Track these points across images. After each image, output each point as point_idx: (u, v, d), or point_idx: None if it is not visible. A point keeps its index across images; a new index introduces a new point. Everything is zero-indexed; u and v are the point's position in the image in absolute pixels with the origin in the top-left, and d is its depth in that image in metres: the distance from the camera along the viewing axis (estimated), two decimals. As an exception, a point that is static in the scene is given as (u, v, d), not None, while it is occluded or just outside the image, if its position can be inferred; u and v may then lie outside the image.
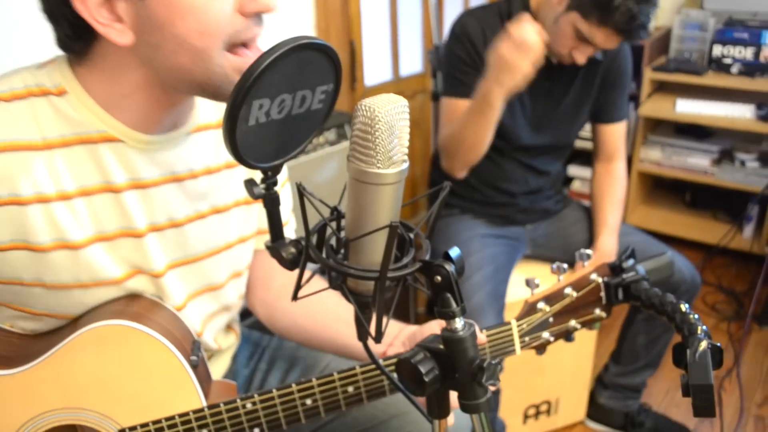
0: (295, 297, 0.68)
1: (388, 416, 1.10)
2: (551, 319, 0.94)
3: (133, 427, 0.87)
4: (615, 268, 0.95)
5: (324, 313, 1.05)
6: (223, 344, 1.07)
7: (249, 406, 0.88)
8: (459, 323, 0.65)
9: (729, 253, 2.90)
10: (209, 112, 0.94)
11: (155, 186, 0.88)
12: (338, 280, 0.66)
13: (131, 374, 0.86)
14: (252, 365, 1.19)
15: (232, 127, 0.59)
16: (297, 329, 1.09)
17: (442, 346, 0.67)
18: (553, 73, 1.65)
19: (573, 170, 3.10)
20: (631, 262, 0.95)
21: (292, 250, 0.71)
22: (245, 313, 1.60)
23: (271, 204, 0.71)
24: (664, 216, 3.09)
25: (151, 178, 0.87)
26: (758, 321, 2.55)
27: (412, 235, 0.65)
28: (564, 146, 1.83)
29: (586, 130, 1.88)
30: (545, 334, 0.94)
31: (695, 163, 2.88)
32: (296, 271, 0.68)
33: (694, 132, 2.96)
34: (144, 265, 0.90)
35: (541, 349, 0.97)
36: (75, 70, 0.81)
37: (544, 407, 1.97)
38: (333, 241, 0.66)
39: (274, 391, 0.88)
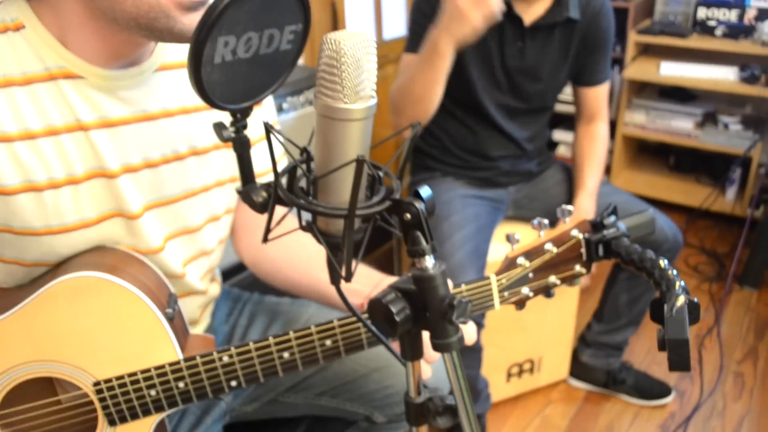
0: (265, 239, 0.68)
1: (369, 370, 1.11)
2: (531, 275, 0.94)
3: (108, 380, 0.86)
4: (596, 225, 0.95)
5: (307, 260, 1.05)
6: (210, 289, 1.07)
7: (226, 359, 0.88)
8: (429, 261, 0.65)
9: (711, 216, 2.92)
10: (176, 50, 0.92)
11: (125, 124, 0.86)
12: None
13: (105, 327, 0.86)
14: (232, 321, 1.19)
15: (196, 64, 0.58)
16: (281, 276, 1.09)
17: (413, 286, 0.67)
18: (525, 33, 1.63)
19: (558, 135, 3.10)
20: (612, 218, 0.95)
21: (264, 193, 0.71)
22: (225, 274, 1.61)
23: (241, 147, 0.70)
24: (648, 180, 3.11)
25: (119, 116, 0.85)
26: (739, 281, 2.58)
27: (381, 174, 0.65)
28: (541, 109, 1.80)
29: (568, 92, 1.87)
30: (525, 290, 0.95)
31: (679, 126, 2.89)
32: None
33: (678, 95, 2.96)
34: (119, 207, 0.89)
35: (520, 304, 0.97)
36: (31, 3, 0.80)
37: (527, 366, 1.99)
38: (304, 183, 0.66)
39: (251, 344, 0.88)
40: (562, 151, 3.12)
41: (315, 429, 1.24)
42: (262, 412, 1.16)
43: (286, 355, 0.89)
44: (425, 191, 0.66)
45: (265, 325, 1.17)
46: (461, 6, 1.34)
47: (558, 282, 0.96)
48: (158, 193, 0.92)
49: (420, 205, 0.64)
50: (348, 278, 0.64)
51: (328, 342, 0.89)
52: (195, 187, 0.96)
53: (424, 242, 0.64)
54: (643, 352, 2.24)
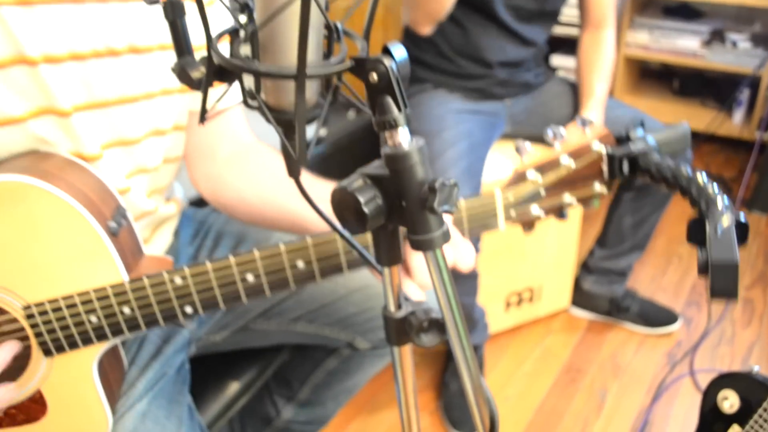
0: (202, 119, 0.55)
1: (348, 291, 1.00)
2: (543, 192, 0.81)
3: (41, 303, 0.74)
4: (621, 139, 0.83)
5: (274, 186, 0.92)
6: (161, 209, 0.95)
7: (178, 281, 0.76)
8: (403, 135, 0.52)
9: (718, 140, 2.80)
10: None
11: (42, 4, 0.72)
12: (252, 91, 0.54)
13: (35, 241, 0.73)
14: (197, 242, 1.06)
15: None
16: (244, 205, 0.95)
17: (385, 170, 0.54)
18: None
19: (557, 60, 2.93)
20: (640, 132, 0.82)
21: (203, 68, 0.58)
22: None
23: (173, 12, 0.57)
24: (651, 105, 2.95)
25: None
26: (747, 206, 2.48)
27: (340, 25, 0.52)
28: (551, 14, 1.66)
29: (568, 15, 1.72)
30: (535, 209, 0.82)
31: (684, 45, 2.73)
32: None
33: (683, 12, 2.80)
34: (49, 103, 0.75)
35: (528, 225, 0.84)
36: None
37: (526, 294, 1.89)
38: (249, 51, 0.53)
39: (207, 264, 0.76)
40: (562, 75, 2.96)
41: (294, 359, 1.14)
42: (233, 342, 1.05)
43: (250, 277, 0.76)
44: (398, 50, 0.53)
45: (233, 247, 1.04)
46: None
47: (574, 202, 0.83)
48: (88, 93, 0.79)
49: (390, 63, 0.51)
50: (301, 161, 0.52)
51: (301, 263, 0.76)
52: (135, 92, 0.83)
53: (395, 109, 0.52)
54: (648, 278, 2.14)
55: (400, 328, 0.67)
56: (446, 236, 0.55)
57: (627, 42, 2.80)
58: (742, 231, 0.64)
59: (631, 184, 1.72)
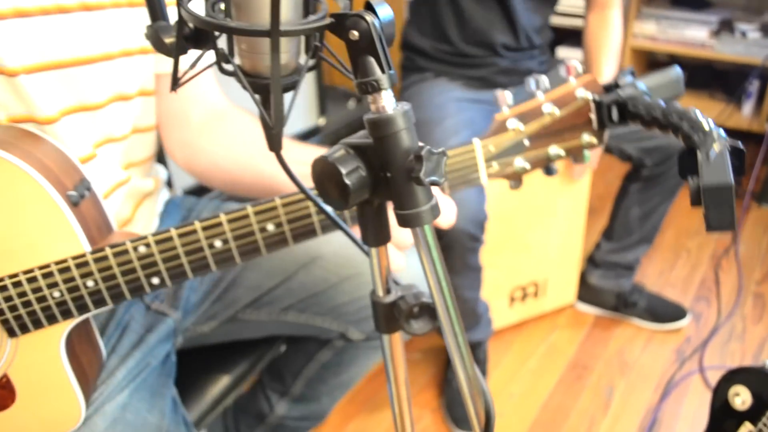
0: (174, 86, 0.51)
1: (339, 278, 0.95)
2: (527, 142, 0.77)
3: (0, 279, 0.71)
4: (609, 87, 0.78)
5: (250, 151, 0.88)
6: (136, 180, 0.91)
7: (142, 249, 0.71)
8: (387, 98, 0.48)
9: (726, 133, 2.71)
10: None
11: None
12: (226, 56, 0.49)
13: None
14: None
15: None
16: (219, 172, 0.91)
17: (369, 139, 0.50)
18: None
19: (563, 52, 2.89)
20: (629, 78, 0.78)
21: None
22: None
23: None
24: (658, 97, 2.91)
25: None
26: (757, 199, 2.42)
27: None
28: None
29: (573, 5, 1.67)
30: (519, 161, 0.77)
31: (692, 35, 2.67)
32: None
33: (691, 2, 2.74)
34: None
35: (515, 179, 0.80)
36: None
37: (531, 289, 1.84)
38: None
39: (172, 230, 0.71)
40: (567, 68, 2.91)
41: (287, 352, 1.10)
42: (223, 333, 1.01)
43: (218, 243, 0.72)
44: (383, 9, 0.49)
45: None
46: None
47: (561, 153, 0.78)
48: (39, 52, 0.74)
49: (372, 19, 0.47)
50: (277, 125, 0.48)
51: (270, 226, 0.72)
52: (92, 52, 0.78)
53: (378, 71, 0.47)
54: (656, 273, 2.08)
55: (389, 314, 0.63)
56: (435, 210, 0.51)
57: (634, 33, 2.75)
58: (738, 158, 0.58)
59: (638, 173, 1.68)
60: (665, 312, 1.87)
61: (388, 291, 0.63)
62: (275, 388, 1.14)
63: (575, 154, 0.81)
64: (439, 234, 1.44)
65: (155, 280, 0.72)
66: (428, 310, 0.62)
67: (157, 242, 0.71)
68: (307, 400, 1.12)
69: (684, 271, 2.11)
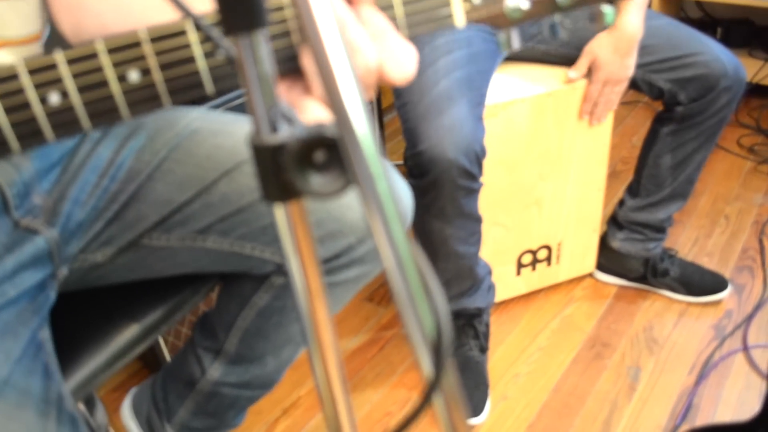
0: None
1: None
2: None
3: None
4: None
5: (141, 6, 0.65)
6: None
7: None
8: None
9: (766, 92, 2.50)
10: None
11: None
12: None
13: None
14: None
15: None
16: (107, 34, 0.68)
17: None
18: None
19: None
20: None
21: None
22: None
23: None
24: (690, 59, 2.65)
25: None
26: (805, 164, 2.16)
27: None
28: None
29: None
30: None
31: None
32: None
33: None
34: None
35: (503, 25, 0.55)
36: None
37: (542, 254, 1.58)
38: None
39: None
40: None
41: (218, 299, 0.86)
42: (125, 266, 0.77)
43: (54, 97, 0.48)
44: None
45: (123, 138, 0.76)
46: None
47: None
48: None
49: None
50: None
51: (134, 74, 0.47)
52: None
53: None
54: (689, 242, 1.82)
55: (277, 166, 0.38)
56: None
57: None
58: None
59: (671, 112, 1.42)
60: (702, 282, 1.60)
61: (274, 129, 0.38)
62: (207, 346, 0.90)
63: (591, 6, 0.56)
64: (425, 168, 1.17)
65: None
66: (336, 154, 0.37)
67: None
68: (245, 361, 0.88)
69: (723, 238, 1.84)
